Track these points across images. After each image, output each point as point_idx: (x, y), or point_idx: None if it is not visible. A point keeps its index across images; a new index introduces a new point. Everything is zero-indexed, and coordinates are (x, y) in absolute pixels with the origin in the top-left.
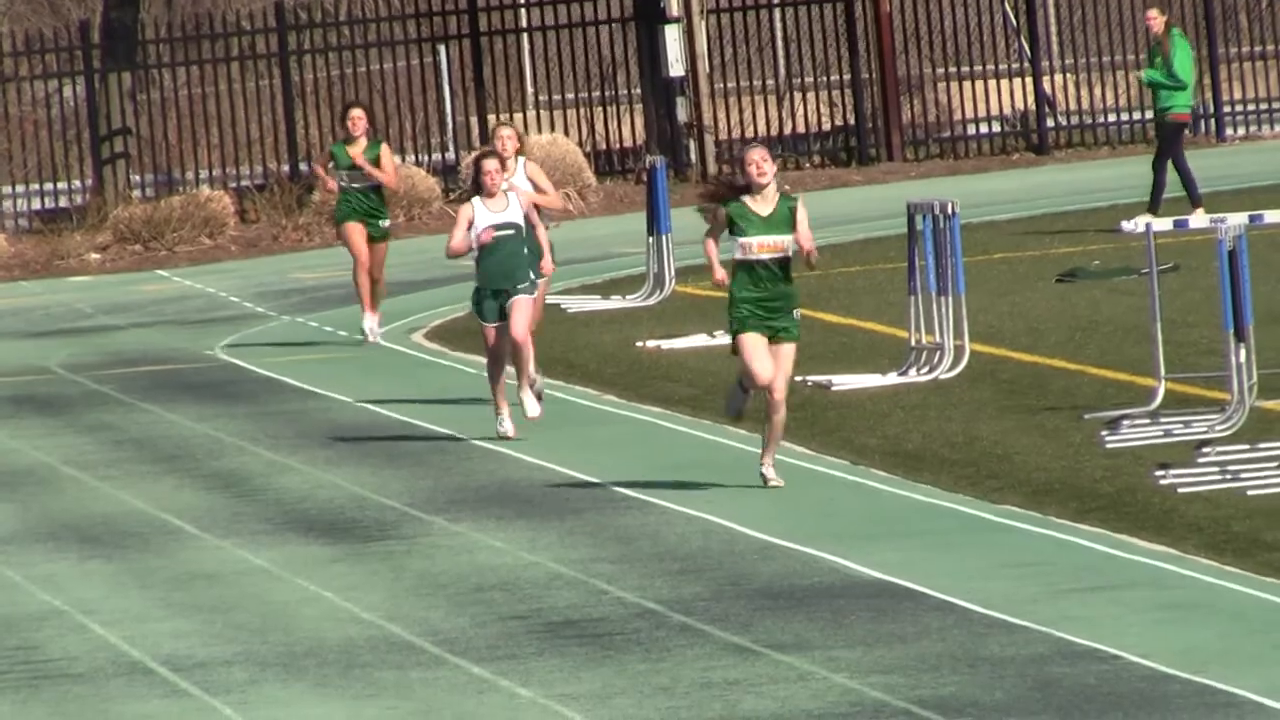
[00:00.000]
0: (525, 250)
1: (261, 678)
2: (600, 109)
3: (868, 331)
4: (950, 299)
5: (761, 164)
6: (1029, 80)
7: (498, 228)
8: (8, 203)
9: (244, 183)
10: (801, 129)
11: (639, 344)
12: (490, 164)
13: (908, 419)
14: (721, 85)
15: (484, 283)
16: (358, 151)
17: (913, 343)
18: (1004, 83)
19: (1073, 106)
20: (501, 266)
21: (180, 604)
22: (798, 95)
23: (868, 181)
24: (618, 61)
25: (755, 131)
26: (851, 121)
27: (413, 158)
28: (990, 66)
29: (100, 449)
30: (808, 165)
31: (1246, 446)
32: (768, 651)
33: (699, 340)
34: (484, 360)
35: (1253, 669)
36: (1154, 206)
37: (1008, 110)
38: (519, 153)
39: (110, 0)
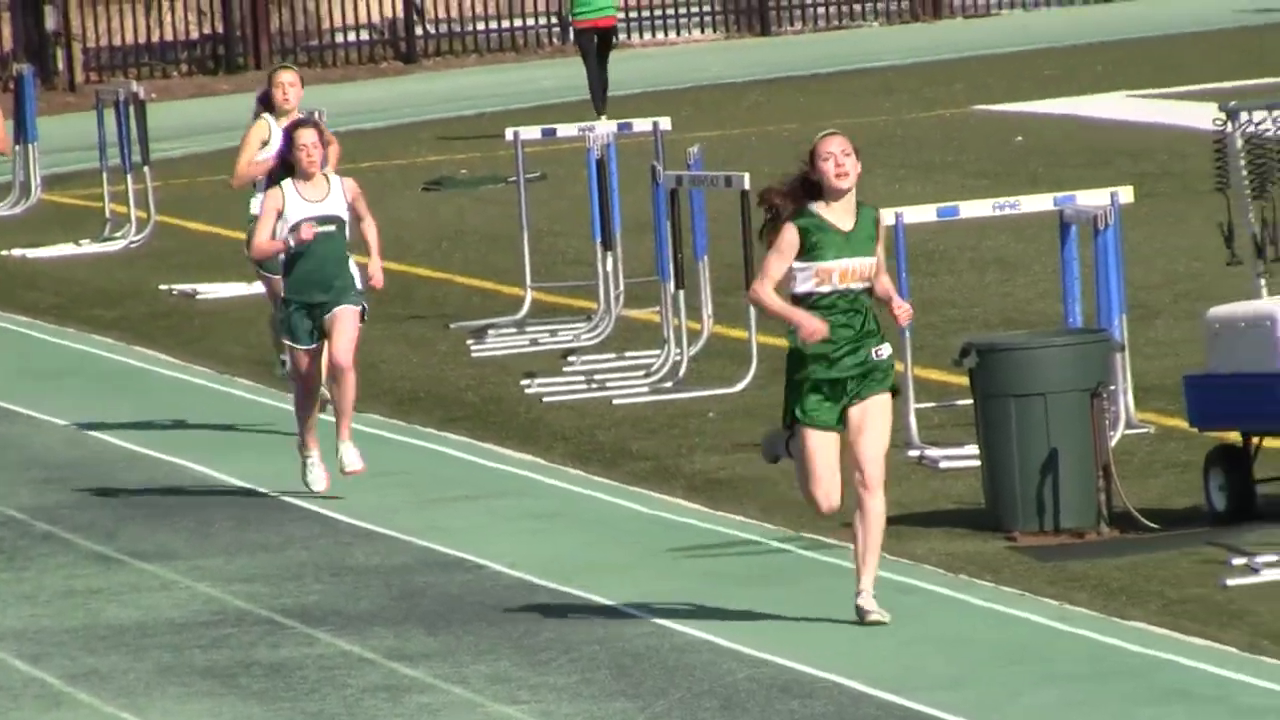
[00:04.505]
0: (346, 251)
1: None
2: None
3: (236, 240)
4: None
5: (842, 160)
6: None
7: (318, 221)
8: None
9: None
10: (170, 37)
11: (4, 253)
12: (307, 136)
13: (265, 324)
14: None
15: (295, 293)
16: None
17: None
18: None
19: (442, 15)
20: (320, 272)
21: None
22: (166, 3)
23: (236, 90)
24: None
25: (124, 39)
26: (220, 30)
27: None
28: None
29: None
30: (175, 74)
31: (613, 355)
32: (131, 560)
33: (64, 250)
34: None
35: (617, 577)
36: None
37: (377, 19)
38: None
39: None
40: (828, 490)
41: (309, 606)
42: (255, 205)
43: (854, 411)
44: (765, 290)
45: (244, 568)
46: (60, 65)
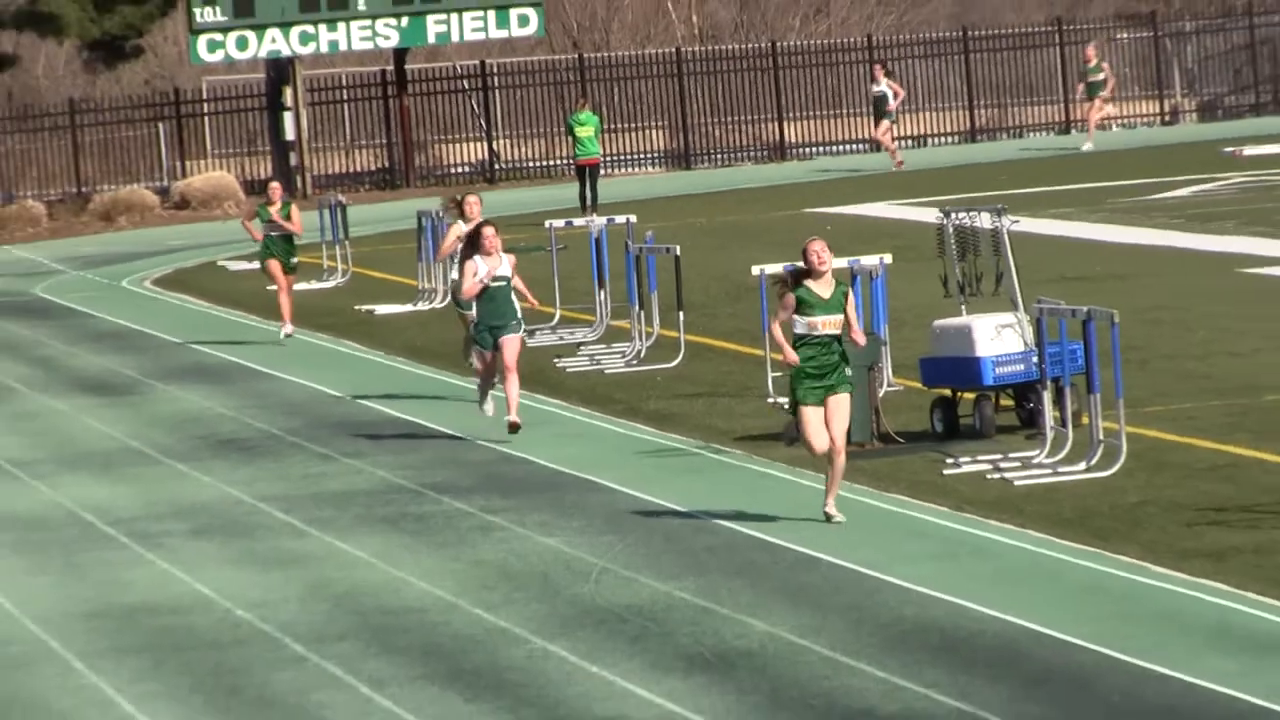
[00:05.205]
0: (513, 295)
1: None
2: (248, 157)
3: (398, 283)
4: (440, 263)
5: (821, 254)
6: (484, 143)
7: (494, 279)
8: None
9: (49, 198)
10: (358, 169)
11: (270, 288)
12: (489, 230)
13: (415, 328)
14: (316, 144)
15: (483, 320)
16: (275, 210)
17: (420, 287)
18: (470, 144)
19: (510, 157)
20: (497, 308)
21: None
22: (357, 150)
23: (395, 199)
24: (259, 130)
25: (333, 170)
26: (386, 165)
27: (144, 184)
28: (463, 134)
29: None
30: (361, 189)
31: (605, 346)
32: (339, 457)
33: (303, 286)
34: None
35: (607, 469)
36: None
37: (473, 159)
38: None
39: None
40: (818, 441)
41: (438, 483)
42: (453, 272)
43: (830, 401)
44: (774, 328)
45: (402, 461)
46: (299, 184)
